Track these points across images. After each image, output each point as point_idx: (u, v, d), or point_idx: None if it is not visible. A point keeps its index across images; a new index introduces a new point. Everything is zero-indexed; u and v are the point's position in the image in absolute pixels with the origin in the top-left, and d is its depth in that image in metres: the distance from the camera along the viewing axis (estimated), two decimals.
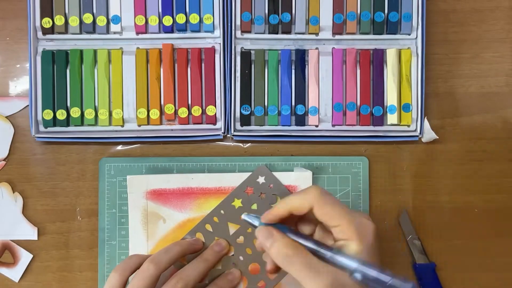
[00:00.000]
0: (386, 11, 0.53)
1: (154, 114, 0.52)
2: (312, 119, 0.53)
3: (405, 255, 0.53)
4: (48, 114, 0.52)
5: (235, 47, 0.52)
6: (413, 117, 0.53)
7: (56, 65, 0.52)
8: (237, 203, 0.51)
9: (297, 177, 0.52)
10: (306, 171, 0.52)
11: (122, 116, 0.52)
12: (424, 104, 0.53)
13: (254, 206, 0.51)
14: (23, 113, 0.54)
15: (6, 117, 0.54)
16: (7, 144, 0.53)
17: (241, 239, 0.50)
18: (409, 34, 0.53)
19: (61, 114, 0.52)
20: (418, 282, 0.53)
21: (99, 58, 0.52)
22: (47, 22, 0.52)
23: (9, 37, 0.54)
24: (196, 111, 0.52)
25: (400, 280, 0.37)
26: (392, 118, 0.52)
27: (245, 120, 0.53)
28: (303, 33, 0.53)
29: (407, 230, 0.53)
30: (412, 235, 0.53)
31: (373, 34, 0.53)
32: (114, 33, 0.53)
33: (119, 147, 0.54)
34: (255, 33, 0.53)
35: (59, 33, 0.52)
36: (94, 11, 0.52)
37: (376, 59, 0.53)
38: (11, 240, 0.53)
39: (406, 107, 0.52)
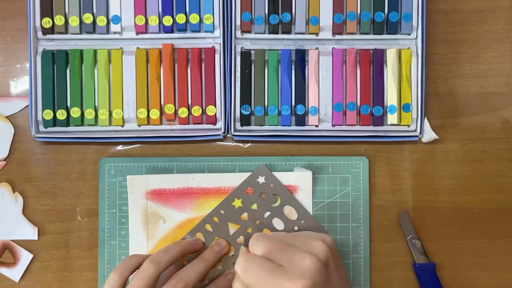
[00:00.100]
0: (386, 11, 0.53)
1: (154, 114, 0.52)
2: (312, 119, 0.53)
3: (405, 255, 0.53)
4: (48, 114, 0.52)
5: (235, 47, 0.52)
6: (413, 117, 0.53)
7: (56, 65, 0.52)
8: (237, 203, 0.51)
9: (297, 177, 0.52)
10: (306, 171, 0.52)
11: (122, 116, 0.52)
12: (424, 104, 0.53)
13: (254, 206, 0.51)
14: (23, 113, 0.54)
15: (6, 117, 0.54)
16: (7, 144, 0.53)
17: (241, 239, 0.50)
18: (409, 34, 0.53)
19: (61, 114, 0.52)
20: (419, 282, 0.53)
21: (99, 58, 0.52)
22: (47, 22, 0.52)
23: (9, 37, 0.54)
24: (196, 111, 0.52)
25: None
26: (392, 118, 0.52)
27: (245, 120, 0.53)
28: (303, 33, 0.53)
29: (407, 230, 0.53)
30: (412, 235, 0.53)
31: (373, 34, 0.53)
32: (114, 33, 0.53)
33: (119, 147, 0.54)
34: (255, 33, 0.53)
35: (59, 33, 0.52)
36: (94, 11, 0.52)
37: (376, 59, 0.53)
38: (11, 240, 0.53)
39: (406, 107, 0.52)
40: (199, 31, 0.53)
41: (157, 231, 0.52)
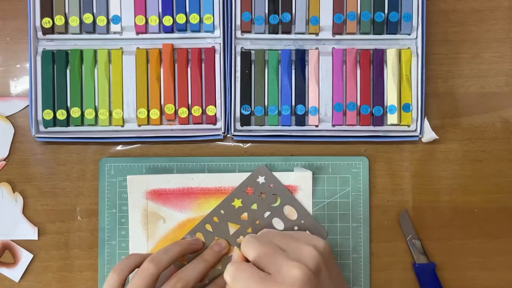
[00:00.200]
0: (386, 11, 0.53)
1: (154, 114, 0.52)
2: (312, 119, 0.53)
3: (405, 255, 0.53)
4: (48, 114, 0.52)
5: (235, 47, 0.52)
6: (413, 117, 0.53)
7: (56, 65, 0.52)
8: (237, 203, 0.51)
9: (297, 177, 0.52)
10: (306, 171, 0.52)
11: (122, 116, 0.52)
12: (424, 104, 0.53)
13: (254, 206, 0.51)
14: (23, 113, 0.54)
15: (6, 117, 0.54)
16: (7, 144, 0.53)
17: (241, 239, 0.50)
18: (409, 34, 0.53)
19: (61, 114, 0.52)
20: (418, 282, 0.53)
21: (99, 58, 0.52)
22: (47, 22, 0.52)
23: (9, 37, 0.54)
24: (196, 111, 0.52)
25: None
26: (392, 118, 0.52)
27: (245, 120, 0.53)
28: (303, 33, 0.53)
29: (407, 230, 0.53)
30: (412, 235, 0.53)
31: (373, 34, 0.53)
32: (114, 33, 0.53)
33: (119, 147, 0.54)
34: (255, 33, 0.53)
35: (59, 33, 0.52)
36: (94, 11, 0.52)
37: (376, 59, 0.53)
38: (11, 240, 0.53)
39: (406, 107, 0.52)
40: (199, 31, 0.53)
41: (157, 231, 0.52)
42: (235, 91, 0.52)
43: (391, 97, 0.52)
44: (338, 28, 0.53)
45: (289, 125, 0.53)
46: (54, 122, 0.52)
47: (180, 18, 0.52)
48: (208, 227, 0.51)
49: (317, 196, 0.53)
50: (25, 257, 0.53)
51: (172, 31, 0.53)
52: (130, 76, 0.53)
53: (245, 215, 0.51)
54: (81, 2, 0.52)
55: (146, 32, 0.53)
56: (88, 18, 0.52)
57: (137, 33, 0.53)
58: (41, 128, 0.53)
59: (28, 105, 0.53)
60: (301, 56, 0.52)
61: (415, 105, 0.53)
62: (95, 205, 0.53)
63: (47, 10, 0.52)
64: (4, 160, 0.53)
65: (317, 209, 0.53)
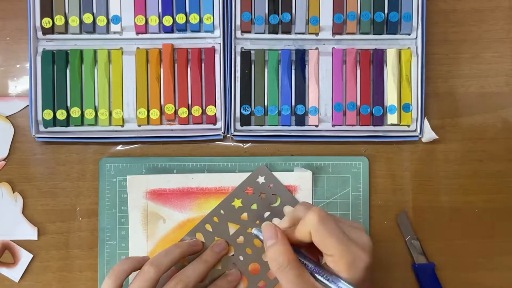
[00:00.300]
0: (386, 11, 0.53)
1: (154, 114, 0.52)
2: (312, 119, 0.53)
3: (405, 255, 0.53)
4: (48, 114, 0.52)
5: (235, 47, 0.52)
6: (413, 117, 0.53)
7: (56, 65, 0.52)
8: (237, 203, 0.51)
9: (297, 177, 0.52)
10: (306, 171, 0.52)
11: (122, 116, 0.52)
12: (424, 104, 0.53)
13: (254, 206, 0.51)
14: (23, 113, 0.54)
15: (6, 117, 0.54)
16: (7, 144, 0.53)
17: (241, 239, 0.50)
18: (409, 34, 0.53)
19: (61, 114, 0.52)
20: (418, 282, 0.53)
21: (99, 58, 0.52)
22: (47, 22, 0.52)
23: (9, 37, 0.54)
24: (196, 111, 0.52)
25: None
26: (392, 118, 0.52)
27: (245, 120, 0.53)
28: (303, 33, 0.53)
29: (406, 230, 0.53)
30: (411, 235, 0.53)
31: (373, 34, 0.53)
32: (114, 33, 0.53)
33: (119, 147, 0.54)
34: (255, 33, 0.53)
35: (59, 33, 0.52)
36: (94, 11, 0.52)
37: (376, 59, 0.53)
38: (11, 240, 0.53)
39: (406, 107, 0.52)
40: (199, 31, 0.53)
41: (157, 231, 0.52)
42: (235, 91, 0.52)
43: (391, 97, 0.52)
44: (338, 28, 0.53)
45: (289, 125, 0.53)
46: (54, 122, 0.52)
47: (180, 18, 0.52)
48: (208, 227, 0.51)
49: (317, 196, 0.53)
50: (25, 257, 0.53)
51: (172, 31, 0.53)
52: (130, 76, 0.53)
53: (245, 215, 0.51)
54: (81, 2, 0.52)
55: (146, 32, 0.53)
56: (88, 18, 0.52)
57: (137, 33, 0.53)
58: (41, 128, 0.53)
59: (28, 105, 0.53)
60: (301, 56, 0.52)
61: (415, 105, 0.53)
62: (95, 205, 0.53)
63: (47, 10, 0.52)
64: (4, 160, 0.53)
65: None
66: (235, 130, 0.52)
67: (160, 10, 0.53)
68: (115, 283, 0.44)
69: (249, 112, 0.52)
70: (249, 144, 0.54)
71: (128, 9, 0.52)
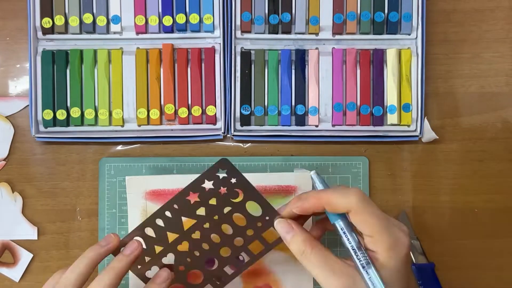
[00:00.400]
0: (386, 11, 0.53)
1: (154, 114, 0.52)
2: (312, 119, 0.53)
3: None
4: (48, 114, 0.52)
5: (235, 47, 0.52)
6: (413, 117, 0.53)
7: (56, 65, 0.52)
8: (193, 197, 0.45)
9: (297, 177, 0.52)
10: (306, 171, 0.52)
11: (122, 116, 0.52)
12: (424, 104, 0.53)
13: (213, 201, 0.45)
14: (23, 113, 0.54)
15: (6, 117, 0.54)
16: (7, 144, 0.53)
17: (197, 234, 0.45)
18: (409, 34, 0.53)
19: (61, 114, 0.52)
20: (418, 282, 0.53)
21: (99, 58, 0.52)
22: (47, 22, 0.52)
23: (9, 37, 0.54)
24: (196, 111, 0.52)
25: None
26: (392, 118, 0.52)
27: (245, 120, 0.53)
28: (303, 33, 0.53)
29: None
30: (411, 235, 0.53)
31: (373, 34, 0.53)
32: (114, 33, 0.53)
33: (119, 147, 0.54)
34: (255, 33, 0.53)
35: (59, 33, 0.52)
36: (94, 11, 0.52)
37: (376, 59, 0.53)
38: (11, 240, 0.53)
39: (406, 107, 0.52)
40: (199, 31, 0.53)
41: None
42: (235, 91, 0.52)
43: (391, 97, 0.52)
44: (338, 28, 0.53)
45: (289, 125, 0.53)
46: (54, 122, 0.52)
47: (180, 18, 0.52)
48: (159, 222, 0.46)
49: None
50: (25, 257, 0.53)
51: (172, 31, 0.53)
52: (130, 76, 0.53)
53: (202, 209, 0.45)
54: (81, 2, 0.52)
55: (146, 32, 0.53)
56: (88, 18, 0.52)
57: (137, 33, 0.53)
58: (41, 128, 0.53)
59: (28, 105, 0.53)
60: (301, 56, 0.52)
61: (415, 105, 0.53)
62: (95, 205, 0.53)
63: (47, 10, 0.52)
64: (4, 160, 0.53)
65: None
66: (235, 130, 0.52)
67: (160, 10, 0.53)
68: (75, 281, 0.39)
69: (249, 112, 0.52)
70: (249, 144, 0.54)
71: (128, 9, 0.52)
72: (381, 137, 0.53)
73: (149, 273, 0.46)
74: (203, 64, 0.52)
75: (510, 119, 0.54)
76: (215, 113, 0.52)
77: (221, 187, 0.44)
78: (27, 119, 0.53)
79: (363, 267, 0.37)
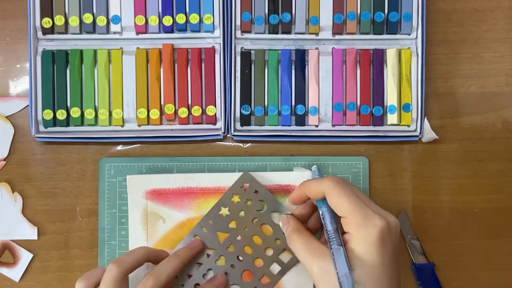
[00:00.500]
0: (386, 11, 0.53)
1: (154, 114, 0.52)
2: (312, 119, 0.53)
3: (405, 255, 0.53)
4: (48, 114, 0.52)
5: (235, 47, 0.52)
6: (413, 117, 0.53)
7: (56, 65, 0.52)
8: (224, 211, 0.51)
9: (297, 177, 0.52)
10: (305, 170, 0.52)
11: (122, 116, 0.52)
12: (424, 104, 0.53)
13: (242, 214, 0.50)
14: (23, 113, 0.54)
15: (6, 117, 0.54)
16: (7, 144, 0.53)
17: (231, 248, 0.50)
18: (409, 34, 0.53)
19: (61, 114, 0.52)
20: (418, 282, 0.53)
21: (99, 58, 0.52)
22: (47, 22, 0.52)
23: (9, 37, 0.54)
24: (196, 111, 0.52)
25: None
26: (392, 118, 0.52)
27: (245, 120, 0.53)
28: (303, 33, 0.53)
29: (406, 230, 0.53)
30: (411, 235, 0.53)
31: (373, 34, 0.53)
32: (114, 33, 0.53)
33: (119, 147, 0.54)
34: (255, 33, 0.53)
35: (59, 33, 0.52)
36: (94, 11, 0.52)
37: (376, 59, 0.53)
38: (11, 240, 0.53)
39: (406, 107, 0.52)
40: (199, 31, 0.53)
41: (157, 231, 0.52)
42: (235, 91, 0.52)
43: (391, 97, 0.52)
44: (338, 28, 0.53)
45: (289, 125, 0.53)
46: (54, 122, 0.52)
47: (180, 18, 0.52)
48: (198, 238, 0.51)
49: None
50: (25, 257, 0.53)
51: (172, 31, 0.53)
52: (130, 76, 0.53)
53: (233, 223, 0.50)
54: (81, 2, 0.52)
55: (146, 32, 0.53)
56: (88, 18, 0.52)
57: (137, 33, 0.53)
58: (41, 128, 0.53)
59: (28, 105, 0.53)
60: (301, 56, 0.52)
61: (415, 105, 0.53)
62: (95, 205, 0.53)
63: (47, 10, 0.52)
64: (4, 160, 0.54)
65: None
66: (235, 130, 0.52)
67: (160, 10, 0.53)
68: (121, 272, 0.43)
69: (249, 112, 0.52)
70: (249, 144, 0.54)
71: (128, 9, 0.52)
72: (381, 137, 0.53)
73: None
74: (203, 64, 0.52)
75: (510, 119, 0.54)
76: (215, 113, 0.52)
77: (247, 200, 0.48)
78: (27, 119, 0.53)
79: (331, 248, 0.40)
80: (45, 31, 0.52)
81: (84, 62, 0.52)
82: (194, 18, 0.52)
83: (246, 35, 0.53)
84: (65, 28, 0.52)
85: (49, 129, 0.53)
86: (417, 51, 0.53)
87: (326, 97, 0.53)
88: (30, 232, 0.53)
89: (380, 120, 0.53)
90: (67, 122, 0.52)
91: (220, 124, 0.53)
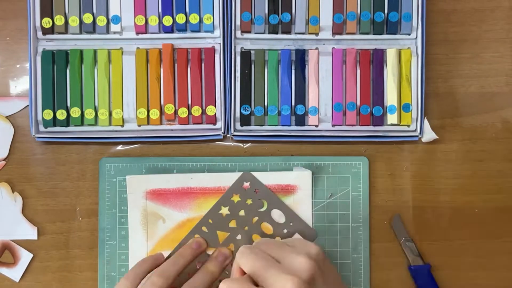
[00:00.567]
0: (386, 11, 0.53)
1: (154, 114, 0.52)
2: (312, 119, 0.53)
3: (405, 255, 0.53)
4: (48, 114, 0.52)
5: (235, 47, 0.52)
6: (413, 117, 0.53)
7: (56, 65, 0.52)
8: (225, 211, 0.51)
9: (297, 177, 0.52)
10: (305, 170, 0.52)
11: (122, 116, 0.52)
12: (424, 104, 0.53)
13: (242, 213, 0.50)
14: (23, 113, 0.54)
15: (6, 117, 0.54)
16: (7, 144, 0.53)
17: (231, 246, 0.50)
18: (409, 34, 0.53)
19: (61, 114, 0.52)
20: (415, 284, 0.53)
21: (99, 58, 0.52)
22: (47, 22, 0.52)
23: (9, 37, 0.54)
24: (196, 111, 0.52)
25: None
26: (392, 118, 0.52)
27: (245, 120, 0.53)
28: (303, 33, 0.53)
29: (400, 233, 0.53)
30: (405, 237, 0.53)
31: (373, 34, 0.53)
32: (114, 33, 0.53)
33: (119, 147, 0.54)
34: (255, 33, 0.53)
35: (59, 33, 0.52)
36: (94, 11, 0.52)
37: (376, 59, 0.53)
38: (11, 240, 0.53)
39: (406, 107, 0.52)
40: (199, 31, 0.53)
41: (157, 231, 0.52)
42: (235, 91, 0.52)
43: (391, 97, 0.52)
44: (338, 28, 0.53)
45: (289, 125, 0.53)
46: (54, 122, 0.52)
47: (180, 18, 0.52)
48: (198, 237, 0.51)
49: (317, 196, 0.53)
50: (25, 257, 0.53)
51: (172, 31, 0.53)
52: (130, 76, 0.53)
53: (233, 222, 0.51)
54: (81, 2, 0.52)
55: (146, 32, 0.53)
56: (88, 18, 0.52)
57: (137, 33, 0.53)
58: (41, 128, 0.53)
59: (28, 105, 0.53)
60: (301, 56, 0.52)
61: (415, 105, 0.53)
62: (95, 205, 0.53)
63: (47, 10, 0.52)
64: (4, 160, 0.54)
65: (317, 209, 0.53)
66: (235, 130, 0.52)
67: (160, 10, 0.53)
68: (132, 284, 0.44)
69: (249, 112, 0.52)
70: (249, 144, 0.54)
71: (128, 9, 0.52)
72: (381, 137, 0.53)
73: None
74: (203, 64, 0.52)
75: (510, 119, 0.54)
76: (215, 113, 0.52)
77: (247, 199, 0.48)
78: (27, 119, 0.53)
79: None
80: (45, 31, 0.52)
81: (84, 62, 0.52)
82: (194, 18, 0.52)
83: (246, 35, 0.53)
84: (65, 28, 0.52)
85: (49, 129, 0.53)
86: (417, 51, 0.53)
87: (326, 97, 0.53)
88: (30, 232, 0.53)
89: (380, 120, 0.53)
90: (67, 122, 0.52)
91: (220, 124, 0.53)
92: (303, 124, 0.53)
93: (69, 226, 0.53)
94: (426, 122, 0.53)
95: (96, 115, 0.53)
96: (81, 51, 0.52)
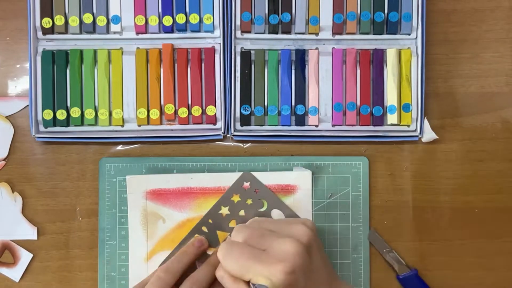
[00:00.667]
0: (386, 11, 0.53)
1: (154, 114, 0.52)
2: (312, 119, 0.53)
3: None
4: (48, 114, 0.52)
5: (235, 47, 0.52)
6: (413, 117, 0.53)
7: (56, 65, 0.52)
8: (224, 211, 0.51)
9: (297, 176, 0.52)
10: (305, 170, 0.52)
11: (122, 116, 0.52)
12: (424, 104, 0.53)
13: (242, 213, 0.51)
14: (23, 113, 0.54)
15: (6, 117, 0.54)
16: (7, 144, 0.53)
17: None
18: (409, 34, 0.53)
19: (61, 114, 0.52)
20: None
21: (99, 58, 0.52)
22: (47, 22, 0.52)
23: (9, 37, 0.54)
24: (196, 111, 0.52)
25: None
26: (392, 118, 0.52)
27: (245, 120, 0.53)
28: (303, 33, 0.53)
29: (380, 246, 0.53)
30: (386, 249, 0.52)
31: (373, 34, 0.53)
32: (114, 33, 0.53)
33: (119, 147, 0.54)
34: (255, 33, 0.53)
35: (59, 33, 0.52)
36: (94, 11, 0.52)
37: (376, 59, 0.53)
38: (11, 240, 0.53)
39: (406, 107, 0.52)
40: (199, 31, 0.53)
41: (157, 231, 0.52)
42: (235, 91, 0.52)
43: (391, 97, 0.52)
44: (338, 28, 0.53)
45: (289, 125, 0.53)
46: (54, 122, 0.52)
47: (180, 18, 0.52)
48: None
49: (317, 196, 0.53)
50: (25, 257, 0.53)
51: (172, 31, 0.53)
52: (130, 76, 0.53)
53: (233, 222, 0.51)
54: (81, 2, 0.52)
55: (146, 32, 0.53)
56: (88, 18, 0.52)
57: (137, 33, 0.53)
58: (41, 128, 0.53)
59: (28, 105, 0.53)
60: (301, 56, 0.52)
61: (415, 105, 0.53)
62: (95, 205, 0.53)
63: (47, 10, 0.52)
64: (4, 160, 0.54)
65: (317, 209, 0.53)
66: (235, 130, 0.52)
67: (160, 10, 0.53)
68: (172, 279, 0.45)
69: (249, 112, 0.52)
70: (249, 144, 0.54)
71: (128, 9, 0.52)
72: (381, 137, 0.53)
73: None
74: (203, 64, 0.52)
75: (510, 119, 0.54)
76: (215, 113, 0.52)
77: (247, 199, 0.48)
78: (27, 119, 0.53)
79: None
80: (45, 31, 0.52)
81: (84, 62, 0.52)
82: (194, 18, 0.52)
83: (246, 35, 0.53)
84: (65, 28, 0.52)
85: (49, 129, 0.53)
86: (417, 51, 0.53)
87: (326, 97, 0.53)
88: (30, 232, 0.53)
89: (380, 120, 0.53)
90: (67, 122, 0.52)
91: (220, 124, 0.53)
92: (303, 124, 0.53)
93: (69, 226, 0.53)
94: (426, 122, 0.53)
95: (96, 115, 0.53)
96: (81, 51, 0.52)
